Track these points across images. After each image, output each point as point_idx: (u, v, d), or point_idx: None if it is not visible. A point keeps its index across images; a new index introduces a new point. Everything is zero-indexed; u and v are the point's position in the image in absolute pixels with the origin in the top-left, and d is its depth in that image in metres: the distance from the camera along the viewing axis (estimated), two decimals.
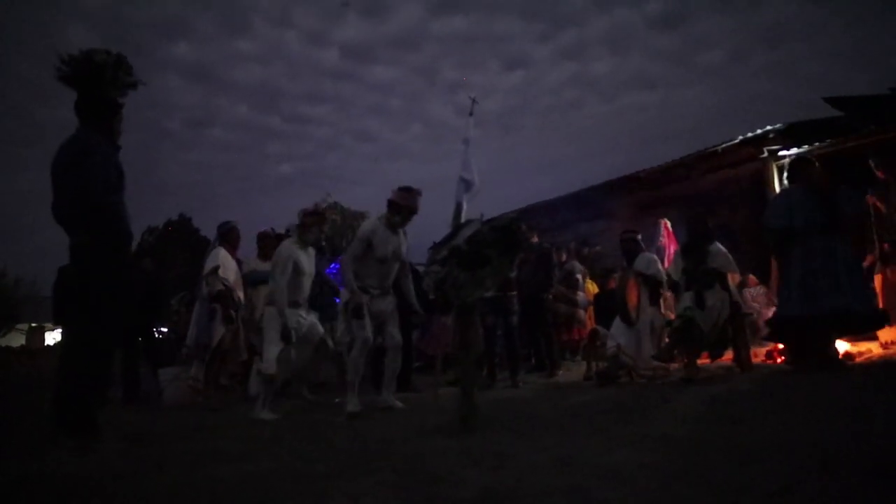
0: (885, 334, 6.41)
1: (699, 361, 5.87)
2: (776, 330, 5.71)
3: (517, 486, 2.29)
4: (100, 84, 3.54)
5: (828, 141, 8.54)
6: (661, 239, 9.01)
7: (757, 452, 2.53)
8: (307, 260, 5.25)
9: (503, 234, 3.81)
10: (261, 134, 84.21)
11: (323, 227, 5.44)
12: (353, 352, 4.88)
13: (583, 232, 12.90)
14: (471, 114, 6.14)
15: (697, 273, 5.88)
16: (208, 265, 5.97)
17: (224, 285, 5.90)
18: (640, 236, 6.78)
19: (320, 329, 5.39)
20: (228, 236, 6.35)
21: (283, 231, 8.15)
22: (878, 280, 6.65)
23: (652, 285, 6.33)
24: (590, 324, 8.71)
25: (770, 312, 6.36)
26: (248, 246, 7.04)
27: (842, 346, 5.93)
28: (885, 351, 6.25)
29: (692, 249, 6.09)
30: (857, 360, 5.87)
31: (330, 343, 5.43)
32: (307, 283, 5.27)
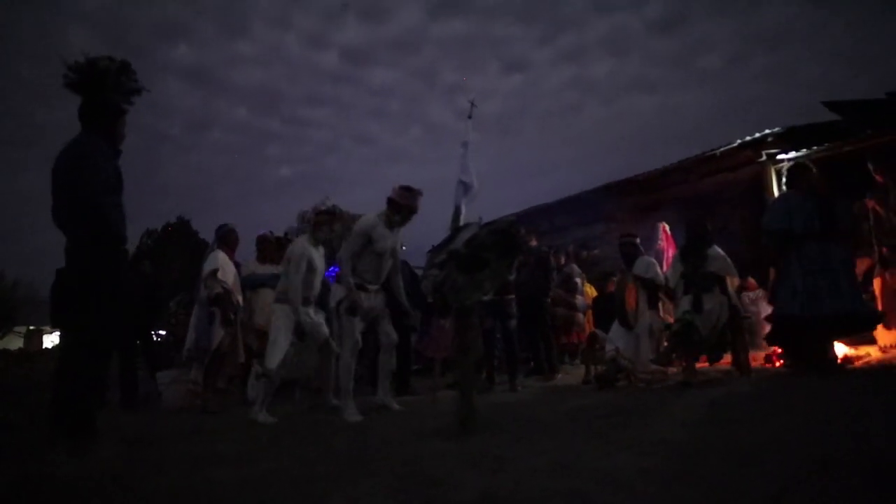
0: (884, 338, 6.42)
1: (698, 365, 5.87)
2: (775, 330, 5.71)
3: (516, 490, 2.28)
4: (103, 89, 3.57)
5: (826, 145, 8.56)
6: (659, 242, 9.02)
7: (756, 455, 2.53)
8: (319, 258, 5.27)
9: (502, 237, 3.81)
10: (260, 136, 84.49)
11: (334, 225, 5.45)
12: (344, 355, 4.86)
13: (581, 235, 12.92)
14: (470, 117, 6.16)
15: (696, 277, 5.88)
16: (207, 268, 5.97)
17: (223, 288, 5.90)
18: (638, 240, 6.78)
19: (326, 330, 5.37)
20: (227, 239, 6.35)
21: (281, 234, 8.17)
22: (876, 284, 6.66)
23: (650, 289, 6.33)
24: (588, 327, 8.72)
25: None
26: (247, 249, 7.05)
27: (840, 349, 5.95)
28: (884, 355, 6.26)
29: (691, 253, 6.10)
30: (856, 363, 5.88)
31: (334, 346, 5.42)
32: (318, 280, 5.29)
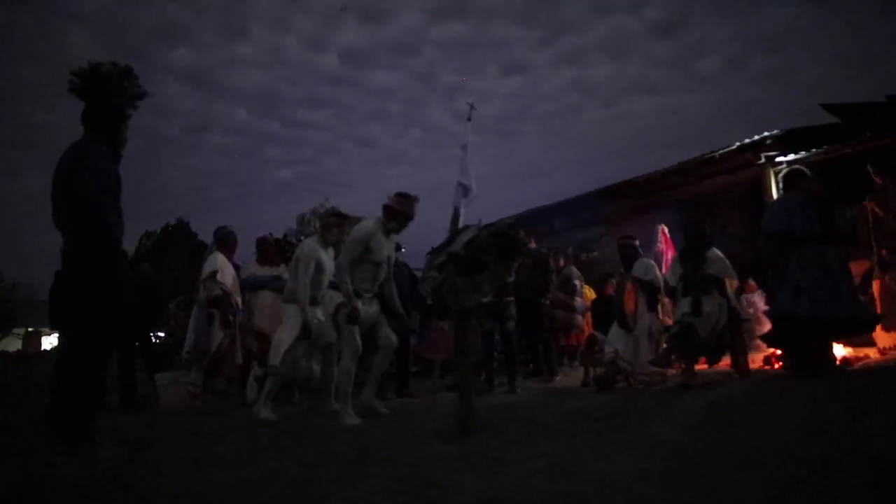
0: (883, 340, 6.43)
1: (697, 367, 5.87)
2: (775, 331, 5.70)
3: (515, 492, 2.28)
4: (105, 94, 3.58)
5: (825, 147, 8.58)
6: (658, 244, 9.03)
7: (755, 457, 2.53)
8: (328, 259, 5.27)
9: (501, 239, 3.81)
10: (260, 139, 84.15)
11: (344, 227, 5.46)
12: (344, 361, 4.82)
13: (580, 237, 12.92)
14: (469, 119, 6.17)
15: (695, 279, 5.89)
16: (206, 270, 5.97)
17: (222, 290, 5.90)
18: (637, 242, 6.79)
19: (333, 333, 5.36)
20: (225, 241, 6.35)
21: (280, 236, 8.18)
22: (876, 286, 6.67)
23: (649, 291, 6.34)
24: (587, 329, 8.72)
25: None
26: (246, 251, 7.05)
27: (839, 351, 5.96)
28: (883, 356, 6.27)
29: (690, 255, 6.10)
30: (855, 365, 5.88)
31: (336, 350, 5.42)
32: (326, 281, 5.29)
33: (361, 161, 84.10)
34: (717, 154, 9.99)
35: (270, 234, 7.27)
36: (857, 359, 6.11)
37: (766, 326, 6.18)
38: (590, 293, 9.62)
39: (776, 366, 6.30)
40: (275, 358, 4.98)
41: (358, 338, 4.85)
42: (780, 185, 6.41)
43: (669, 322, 6.29)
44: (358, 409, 4.78)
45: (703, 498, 2.07)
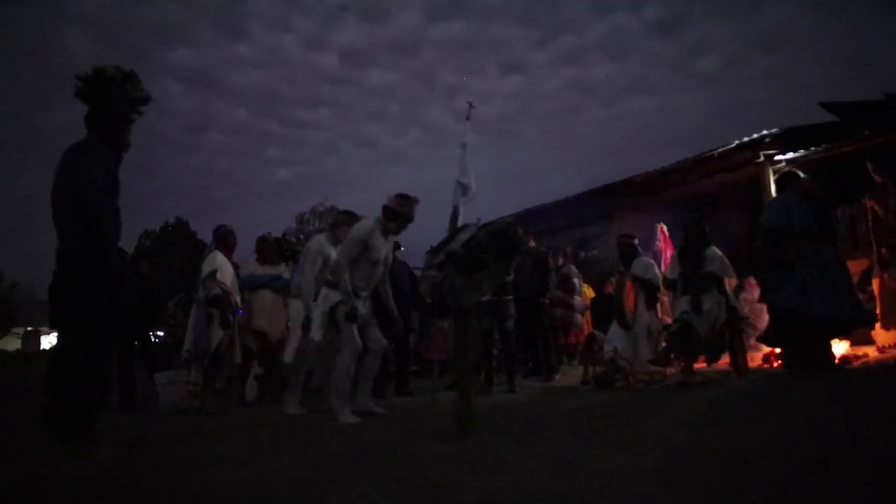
0: (882, 338, 6.44)
1: (696, 365, 5.88)
2: (777, 326, 5.69)
3: (515, 491, 2.28)
4: (107, 97, 3.60)
5: (824, 146, 8.58)
6: (657, 243, 9.03)
7: (754, 456, 2.53)
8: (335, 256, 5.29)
9: (500, 238, 3.81)
10: (259, 138, 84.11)
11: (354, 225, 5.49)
12: (343, 360, 4.78)
13: (580, 236, 12.93)
14: (468, 118, 6.16)
15: (694, 277, 5.89)
16: (206, 269, 5.97)
17: (221, 289, 5.90)
18: (636, 240, 6.80)
19: (320, 334, 5.36)
20: (225, 240, 6.35)
21: (280, 235, 8.18)
22: (875, 284, 6.68)
23: (649, 289, 6.34)
24: (587, 328, 8.74)
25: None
26: (245, 250, 7.05)
27: (839, 349, 5.96)
28: (882, 355, 6.28)
29: (689, 254, 6.10)
30: (854, 363, 5.89)
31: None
32: None
33: (361, 161, 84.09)
34: (716, 153, 10.00)
35: (269, 232, 7.28)
36: (856, 357, 6.12)
37: (764, 317, 6.16)
38: (589, 292, 9.63)
39: (775, 364, 6.31)
40: (288, 355, 5.04)
41: (357, 337, 4.84)
42: (775, 186, 6.45)
43: (669, 320, 6.30)
44: (355, 412, 4.78)
45: (703, 496, 2.07)
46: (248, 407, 6.24)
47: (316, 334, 5.08)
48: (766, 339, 6.01)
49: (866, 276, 6.95)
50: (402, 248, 7.26)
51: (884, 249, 6.69)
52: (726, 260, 6.04)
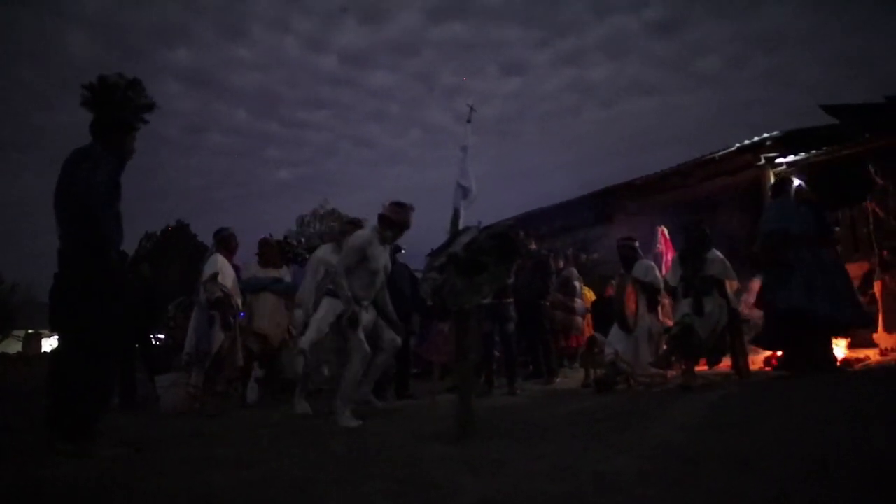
0: (884, 341, 6.43)
1: (697, 368, 5.87)
2: (777, 326, 5.68)
3: (515, 494, 2.28)
4: (110, 104, 3.62)
5: (824, 148, 8.59)
6: (658, 246, 9.03)
7: (755, 459, 2.53)
8: None
9: (500, 240, 3.81)
10: (259, 139, 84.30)
11: None
12: (353, 366, 4.79)
13: (580, 239, 12.92)
14: (468, 120, 6.15)
15: (695, 280, 5.89)
16: (207, 271, 5.97)
17: (222, 291, 5.90)
18: (637, 243, 6.80)
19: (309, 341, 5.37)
20: (226, 242, 6.35)
21: (282, 237, 8.19)
22: (877, 287, 6.67)
23: (650, 292, 6.34)
24: (588, 331, 8.72)
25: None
26: (246, 252, 7.05)
27: (840, 352, 5.96)
28: (884, 357, 6.27)
29: (690, 257, 6.10)
30: (856, 366, 5.89)
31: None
32: None
33: (361, 161, 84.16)
34: (716, 155, 10.01)
35: (270, 234, 7.29)
36: (858, 360, 6.11)
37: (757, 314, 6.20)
38: (590, 294, 9.62)
39: (774, 363, 6.27)
40: (298, 365, 5.09)
41: (365, 343, 4.84)
42: (770, 191, 6.49)
43: (670, 323, 6.29)
44: (353, 404, 4.80)
45: (704, 499, 2.06)
46: (248, 409, 6.24)
47: (304, 341, 5.09)
48: (764, 341, 6.00)
49: (868, 279, 6.95)
50: (403, 251, 7.25)
51: (885, 252, 6.69)
52: (727, 263, 6.04)
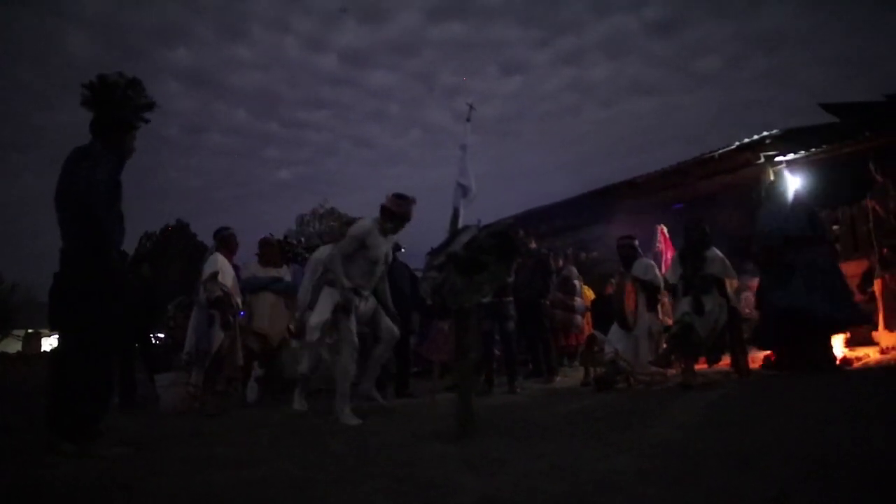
0: (884, 339, 6.43)
1: (697, 367, 5.87)
2: (777, 325, 5.68)
3: (515, 493, 2.28)
4: (110, 103, 3.61)
5: (824, 147, 8.58)
6: (657, 244, 9.03)
7: (755, 457, 2.53)
8: None
9: (500, 239, 3.81)
10: (259, 139, 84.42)
11: None
12: (343, 358, 4.80)
13: (580, 237, 12.92)
14: (468, 119, 6.16)
15: (695, 279, 5.89)
16: (207, 271, 5.97)
17: (222, 291, 5.90)
18: (637, 242, 6.79)
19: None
20: (226, 242, 6.35)
21: (282, 237, 8.19)
22: (877, 285, 6.67)
23: (649, 291, 6.34)
24: (587, 329, 8.73)
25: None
26: (246, 252, 7.05)
27: (839, 351, 5.96)
28: (884, 356, 6.27)
29: (689, 255, 6.10)
30: (855, 365, 5.88)
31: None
32: None
33: (361, 161, 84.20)
34: (716, 154, 10.00)
35: (271, 234, 7.29)
36: (857, 359, 6.11)
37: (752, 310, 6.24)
38: (589, 293, 9.62)
39: (772, 361, 6.25)
40: (303, 366, 5.18)
41: (355, 336, 4.85)
42: (763, 194, 6.53)
43: (669, 322, 6.29)
44: (356, 400, 4.80)
45: (704, 498, 2.06)
46: (248, 408, 6.24)
47: (312, 335, 5.09)
48: (761, 341, 6.01)
49: (867, 277, 6.95)
50: (403, 250, 7.26)
51: (885, 250, 6.68)
52: (727, 261, 6.04)
